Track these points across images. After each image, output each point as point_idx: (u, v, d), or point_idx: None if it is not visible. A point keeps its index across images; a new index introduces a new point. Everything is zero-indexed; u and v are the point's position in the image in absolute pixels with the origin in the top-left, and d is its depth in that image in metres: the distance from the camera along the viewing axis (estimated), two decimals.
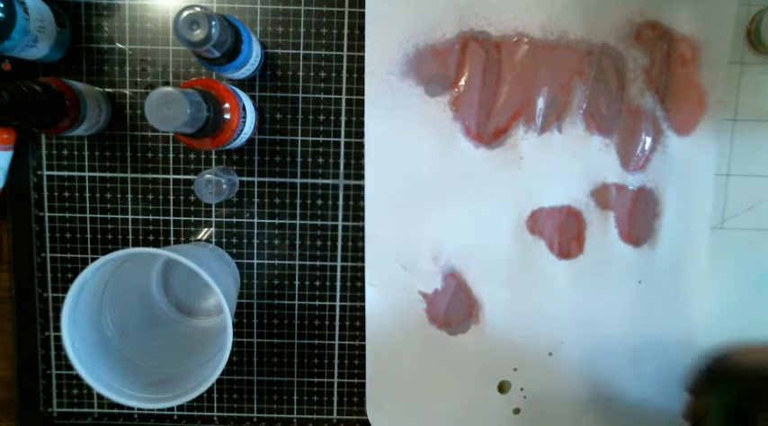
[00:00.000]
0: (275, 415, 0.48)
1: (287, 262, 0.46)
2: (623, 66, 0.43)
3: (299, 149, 0.45)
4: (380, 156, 0.44)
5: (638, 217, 0.45)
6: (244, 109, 0.39)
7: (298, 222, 0.46)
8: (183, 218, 0.45)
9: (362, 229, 0.45)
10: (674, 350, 0.46)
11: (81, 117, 0.40)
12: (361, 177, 0.45)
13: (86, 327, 0.39)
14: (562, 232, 0.45)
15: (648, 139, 0.44)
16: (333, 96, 0.44)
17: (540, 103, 0.43)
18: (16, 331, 0.46)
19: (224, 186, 0.41)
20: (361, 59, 0.44)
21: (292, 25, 0.43)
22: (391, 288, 0.45)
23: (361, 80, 0.44)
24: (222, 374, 0.47)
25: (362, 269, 0.46)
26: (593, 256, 0.45)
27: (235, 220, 0.45)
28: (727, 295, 0.46)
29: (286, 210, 0.46)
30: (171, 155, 0.45)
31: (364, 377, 0.47)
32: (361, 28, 0.43)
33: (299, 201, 0.45)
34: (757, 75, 0.44)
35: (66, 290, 0.36)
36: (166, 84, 0.44)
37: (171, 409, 0.47)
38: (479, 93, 0.43)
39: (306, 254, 0.46)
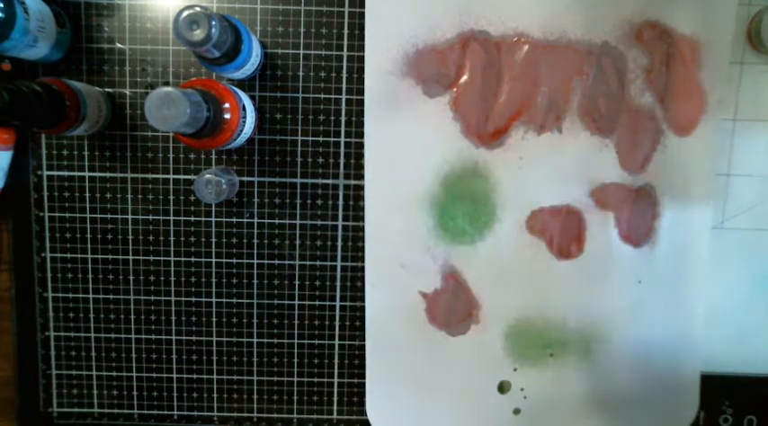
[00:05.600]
0: (275, 415, 0.48)
1: (287, 262, 0.46)
2: (623, 66, 0.43)
3: (299, 149, 0.45)
4: (380, 156, 0.44)
5: (638, 217, 0.45)
6: (244, 109, 0.39)
7: (298, 222, 0.46)
8: (183, 218, 0.45)
9: (362, 229, 0.45)
10: (674, 350, 0.46)
11: (81, 117, 0.40)
12: (361, 177, 0.45)
13: None
14: (562, 232, 0.45)
15: (648, 139, 0.44)
16: (333, 96, 0.44)
17: (540, 103, 0.43)
18: (16, 331, 0.46)
19: (224, 186, 0.41)
20: (361, 59, 0.44)
21: (292, 25, 0.43)
22: (391, 288, 0.45)
23: (361, 80, 0.44)
24: (222, 374, 0.47)
25: (362, 269, 0.46)
26: (593, 256, 0.45)
27: (235, 220, 0.45)
28: (727, 295, 0.46)
29: (286, 210, 0.45)
30: (171, 155, 0.45)
31: (364, 377, 0.47)
32: (361, 28, 0.43)
33: (299, 201, 0.45)
34: (757, 75, 0.44)
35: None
36: (166, 84, 0.44)
37: (171, 409, 0.47)
38: (479, 93, 0.43)
39: (306, 254, 0.46)
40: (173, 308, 0.46)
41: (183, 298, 0.46)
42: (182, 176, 0.45)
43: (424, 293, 0.45)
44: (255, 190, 0.45)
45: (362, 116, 0.44)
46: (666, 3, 0.42)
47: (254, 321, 0.47)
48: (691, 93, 0.43)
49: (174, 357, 0.47)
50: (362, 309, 0.46)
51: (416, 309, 0.46)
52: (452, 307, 0.46)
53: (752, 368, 0.48)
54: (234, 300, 0.46)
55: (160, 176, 0.45)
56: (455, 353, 0.46)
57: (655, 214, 0.45)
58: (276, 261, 0.46)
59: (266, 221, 0.46)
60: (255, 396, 0.47)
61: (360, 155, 0.45)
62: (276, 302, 0.47)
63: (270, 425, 0.48)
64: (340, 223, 0.46)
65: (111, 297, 0.46)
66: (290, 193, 0.45)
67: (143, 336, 0.47)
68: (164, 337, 0.47)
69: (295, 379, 0.47)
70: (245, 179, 0.45)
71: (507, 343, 0.46)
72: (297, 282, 0.46)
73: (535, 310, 0.46)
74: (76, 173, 0.45)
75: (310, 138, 0.45)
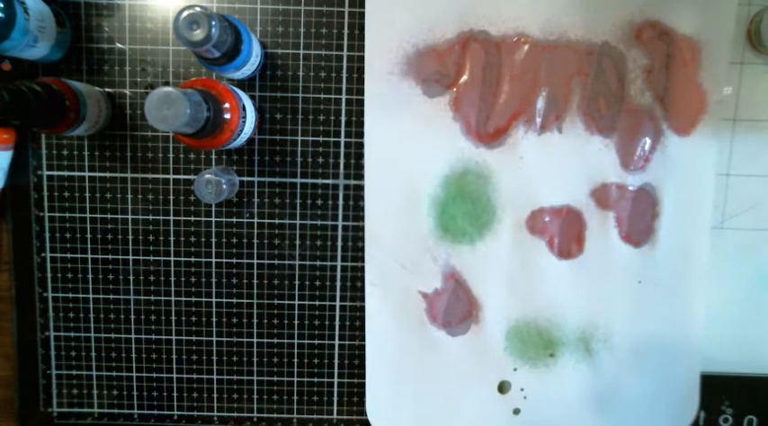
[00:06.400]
0: (275, 415, 0.48)
1: (287, 262, 0.46)
2: (623, 66, 0.43)
3: (299, 149, 0.45)
4: (380, 156, 0.44)
5: (638, 217, 0.45)
6: (244, 109, 0.39)
7: (298, 222, 0.46)
8: (182, 218, 0.45)
9: (362, 229, 0.45)
10: (674, 350, 0.46)
11: (81, 117, 0.40)
12: (361, 177, 0.45)
13: None
14: (562, 232, 0.45)
15: (648, 139, 0.44)
16: (333, 96, 0.44)
17: (540, 103, 0.43)
18: (16, 331, 0.46)
19: (224, 186, 0.41)
20: (361, 59, 0.44)
21: (292, 25, 0.43)
22: (391, 287, 0.45)
23: (361, 80, 0.44)
24: (222, 374, 0.47)
25: (362, 269, 0.46)
26: (593, 256, 0.45)
27: (235, 220, 0.45)
28: (727, 295, 0.46)
29: (286, 210, 0.45)
30: (171, 155, 0.45)
31: (364, 377, 0.47)
32: (361, 28, 0.43)
33: (299, 201, 0.45)
34: (757, 75, 0.44)
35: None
36: (166, 84, 0.44)
37: (171, 409, 0.47)
38: (479, 93, 0.43)
39: (306, 254, 0.46)
40: (173, 308, 0.46)
41: (183, 298, 0.46)
42: (182, 176, 0.45)
43: (424, 293, 0.45)
44: (255, 190, 0.45)
45: (362, 116, 0.44)
46: (667, 3, 0.42)
47: (254, 321, 0.47)
48: (691, 93, 0.43)
49: (174, 357, 0.47)
50: (362, 309, 0.46)
51: (416, 309, 0.46)
52: (452, 307, 0.46)
53: (752, 368, 0.48)
54: (234, 300, 0.46)
55: (160, 176, 0.45)
56: (455, 353, 0.46)
57: (655, 214, 0.45)
58: (276, 261, 0.46)
59: (266, 221, 0.46)
60: (255, 396, 0.47)
61: (360, 155, 0.45)
62: (276, 302, 0.47)
63: (270, 425, 0.48)
64: (340, 223, 0.46)
65: (111, 297, 0.46)
66: (290, 193, 0.45)
67: (143, 336, 0.47)
68: (164, 337, 0.47)
69: (295, 379, 0.47)
70: (245, 179, 0.45)
71: (507, 343, 0.46)
72: (297, 282, 0.46)
73: (535, 310, 0.46)
74: (76, 173, 0.45)
75: (310, 138, 0.45)
